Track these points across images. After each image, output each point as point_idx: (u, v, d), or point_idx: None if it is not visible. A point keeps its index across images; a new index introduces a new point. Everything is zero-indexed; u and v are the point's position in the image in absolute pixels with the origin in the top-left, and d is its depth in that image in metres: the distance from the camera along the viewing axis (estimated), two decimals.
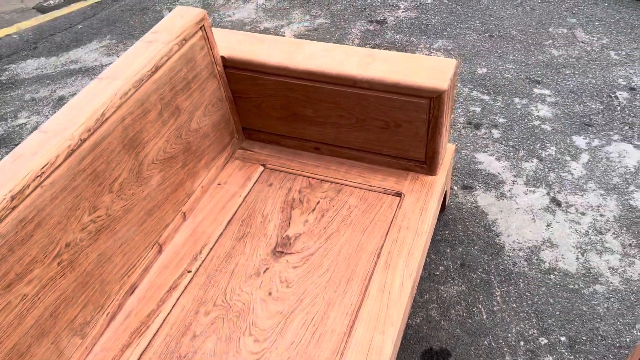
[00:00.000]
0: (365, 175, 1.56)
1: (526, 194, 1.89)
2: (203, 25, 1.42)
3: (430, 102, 1.37)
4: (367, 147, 1.56)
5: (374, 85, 1.40)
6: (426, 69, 1.39)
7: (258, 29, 2.99)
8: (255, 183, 1.58)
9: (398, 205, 1.47)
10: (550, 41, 2.64)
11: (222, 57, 1.52)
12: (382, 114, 1.45)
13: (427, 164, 1.52)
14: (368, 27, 2.90)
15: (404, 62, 1.42)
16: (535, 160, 2.02)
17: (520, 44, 2.64)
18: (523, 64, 2.50)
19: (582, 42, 2.59)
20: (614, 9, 2.80)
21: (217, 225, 1.45)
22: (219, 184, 1.57)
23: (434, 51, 2.66)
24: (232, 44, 1.56)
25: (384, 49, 2.68)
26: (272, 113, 1.60)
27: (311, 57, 1.48)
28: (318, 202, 1.49)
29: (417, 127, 1.44)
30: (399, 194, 1.50)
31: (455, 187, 1.94)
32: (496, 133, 2.15)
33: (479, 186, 1.94)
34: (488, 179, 1.96)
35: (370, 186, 1.53)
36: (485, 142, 2.11)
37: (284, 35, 2.91)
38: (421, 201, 1.47)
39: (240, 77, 1.55)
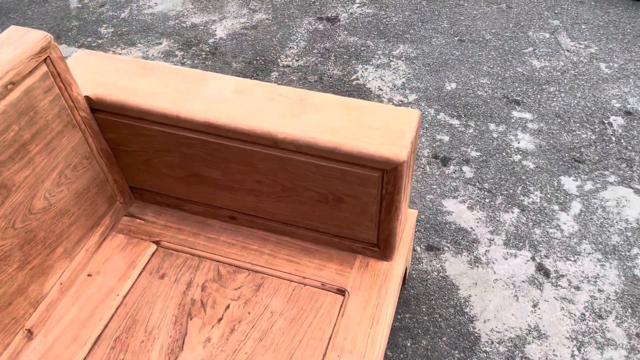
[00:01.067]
0: (298, 259, 1.16)
1: (506, 258, 1.53)
2: (48, 56, 0.96)
3: (383, 174, 0.98)
4: (299, 221, 1.16)
5: (303, 149, 0.99)
6: (378, 127, 0.99)
7: (184, 24, 2.52)
8: (141, 272, 1.15)
9: (340, 309, 1.08)
10: (531, 48, 2.28)
11: (87, 98, 1.08)
12: (317, 185, 1.05)
13: (381, 248, 1.13)
14: (317, 25, 2.47)
15: (347, 114, 1.01)
16: (516, 210, 1.66)
17: (495, 51, 2.27)
18: (499, 78, 2.13)
19: (568, 51, 2.24)
20: (601, 9, 2.46)
21: (78, 349, 1.02)
22: (88, 275, 1.14)
23: (394, 59, 2.25)
24: (104, 76, 1.11)
25: (334, 55, 2.26)
26: (167, 172, 1.17)
27: (216, 100, 1.05)
28: (228, 307, 1.08)
29: (365, 204, 1.05)
30: (341, 291, 1.11)
31: (418, 249, 1.56)
32: (468, 171, 1.78)
33: (448, 247, 1.56)
34: (459, 236, 1.59)
35: (303, 278, 1.13)
36: (454, 183, 1.74)
37: (214, 35, 2.45)
38: (372, 303, 1.08)
39: (116, 124, 1.11)
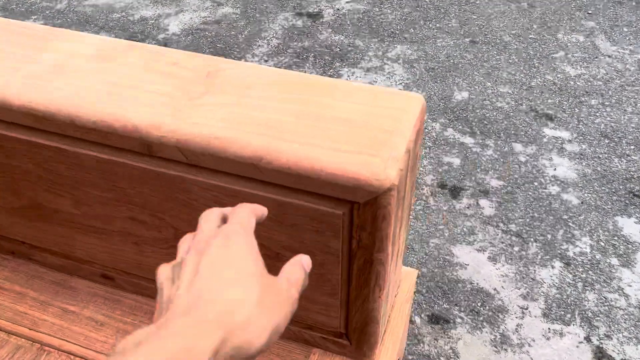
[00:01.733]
0: None
1: (548, 337, 1.05)
2: None
3: (352, 212, 0.51)
4: None
5: (198, 159, 0.52)
6: (347, 123, 0.53)
7: (131, 17, 2.08)
8: None
9: None
10: (562, 53, 1.84)
11: None
12: None
13: (352, 340, 0.66)
14: (295, 21, 2.04)
15: (292, 100, 0.56)
16: (558, 263, 1.18)
17: (517, 55, 1.83)
18: (524, 87, 1.69)
19: (609, 57, 1.80)
20: None
21: None
22: None
23: (388, 62, 1.81)
24: None
25: (313, 55, 1.82)
26: (12, 212, 0.70)
27: (54, 73, 0.59)
28: None
29: (322, 266, 0.58)
30: None
31: (417, 320, 1.09)
32: (487, 206, 1.31)
33: (462, 318, 1.09)
34: (477, 301, 1.11)
35: None
36: (469, 223, 1.27)
37: (166, 30, 2.01)
38: None
39: None
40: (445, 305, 1.10)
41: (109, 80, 0.59)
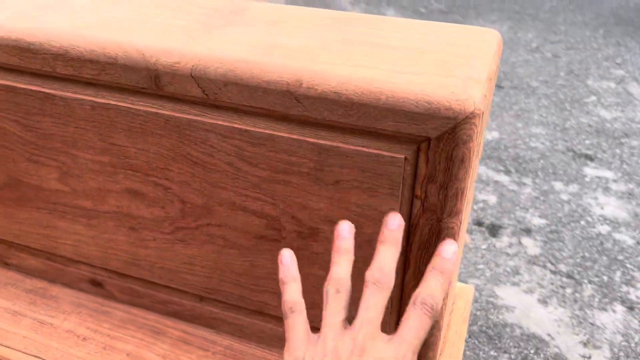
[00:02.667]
0: None
1: None
2: None
3: (417, 156, 0.39)
4: (224, 291, 0.55)
5: (220, 94, 0.41)
6: (407, 49, 0.42)
7: None
8: None
9: None
10: (594, 98, 1.76)
11: None
12: (254, 194, 0.46)
13: None
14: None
15: (336, 32, 0.45)
16: (619, 307, 1.03)
17: (547, 99, 1.75)
18: (558, 129, 1.59)
19: None
20: None
21: None
22: None
23: None
24: None
25: None
26: None
27: (52, 7, 0.50)
28: None
29: (370, 244, 0.44)
30: None
31: None
32: (531, 245, 1.17)
33: None
34: (529, 348, 0.95)
35: None
36: (512, 262, 1.13)
37: None
38: None
39: None
40: (492, 352, 0.94)
41: (113, 15, 0.49)
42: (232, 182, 0.46)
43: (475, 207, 1.28)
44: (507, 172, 1.40)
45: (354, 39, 0.44)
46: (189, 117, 0.44)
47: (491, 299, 1.04)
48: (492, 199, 1.30)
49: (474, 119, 0.37)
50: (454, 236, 0.42)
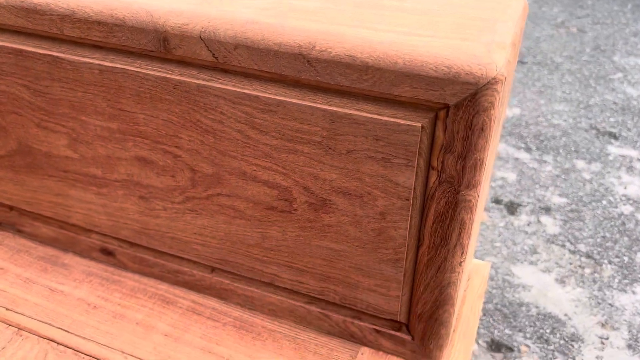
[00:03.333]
0: (225, 351, 0.53)
1: None
2: None
3: (434, 125, 0.37)
4: (233, 262, 0.54)
5: (229, 57, 0.40)
6: (428, 12, 0.40)
7: None
8: None
9: None
10: (620, 74, 1.70)
11: None
12: (266, 165, 0.44)
13: (415, 334, 0.50)
14: None
15: None
16: (639, 287, 1.01)
17: (571, 75, 1.70)
18: (581, 106, 1.55)
19: None
20: None
21: None
22: None
23: None
24: None
25: None
26: None
27: None
28: None
29: (382, 211, 0.43)
30: None
31: (475, 345, 0.91)
32: (550, 224, 1.15)
33: (528, 346, 0.91)
34: (545, 327, 0.94)
35: None
36: (530, 241, 1.11)
37: None
38: None
39: None
40: (507, 331, 0.93)
41: None
42: (242, 150, 0.45)
43: (493, 185, 1.25)
44: (528, 149, 1.36)
45: (369, 1, 0.42)
46: (198, 82, 0.43)
47: (507, 277, 1.03)
48: (512, 177, 1.27)
49: (496, 85, 0.35)
50: (471, 210, 0.41)
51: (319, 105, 0.40)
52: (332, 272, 0.49)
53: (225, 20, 0.40)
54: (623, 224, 1.15)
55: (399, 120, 0.38)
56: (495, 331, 0.93)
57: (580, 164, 1.32)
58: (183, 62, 0.43)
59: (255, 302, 0.56)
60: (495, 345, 0.91)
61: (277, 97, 0.41)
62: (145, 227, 0.56)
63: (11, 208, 0.64)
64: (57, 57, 0.47)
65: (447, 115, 0.37)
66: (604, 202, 1.20)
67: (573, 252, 1.08)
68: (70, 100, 0.49)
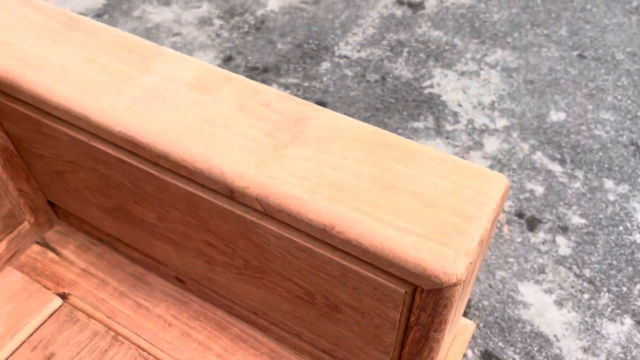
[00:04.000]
0: None
1: None
2: None
3: (415, 293, 0.52)
4: (271, 316, 0.72)
5: (275, 213, 0.55)
6: (421, 199, 0.53)
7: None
8: (21, 345, 0.76)
9: None
10: None
11: None
12: (298, 275, 0.61)
13: None
14: (395, 10, 1.99)
15: (372, 163, 0.57)
16: (628, 320, 1.14)
17: (628, 77, 1.71)
18: (628, 116, 1.58)
19: None
20: None
21: None
22: None
23: (485, 67, 1.75)
24: (13, 34, 0.72)
25: (408, 51, 1.79)
26: (88, 196, 0.77)
27: (152, 99, 0.63)
28: None
29: (378, 328, 0.59)
30: None
31: (469, 352, 1.09)
32: (564, 245, 1.27)
33: (515, 359, 1.08)
34: (534, 345, 1.10)
35: None
36: (541, 260, 1.24)
37: (265, 5, 2.03)
38: None
39: (15, 113, 0.72)
40: (500, 344, 1.10)
41: (203, 115, 0.62)
42: (281, 262, 0.61)
43: (520, 197, 1.36)
44: (562, 161, 1.44)
45: (383, 178, 0.55)
46: (253, 219, 0.58)
47: (512, 294, 1.17)
48: (540, 190, 1.37)
49: (456, 287, 0.49)
50: (438, 341, 0.56)
51: (335, 258, 0.55)
52: (341, 343, 0.66)
53: (274, 191, 0.54)
54: (632, 252, 1.25)
55: (390, 284, 0.53)
56: (490, 343, 1.10)
57: (608, 183, 1.40)
58: (244, 205, 0.58)
59: (287, 341, 0.75)
60: (487, 356, 1.08)
61: (307, 245, 0.56)
62: (209, 277, 0.74)
63: (109, 235, 0.84)
64: (152, 174, 0.63)
65: (422, 292, 0.51)
66: (621, 227, 1.30)
67: (577, 276, 1.21)
68: (159, 198, 0.66)
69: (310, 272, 0.59)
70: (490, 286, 1.19)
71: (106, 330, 0.78)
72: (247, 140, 0.59)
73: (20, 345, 0.76)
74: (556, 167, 1.43)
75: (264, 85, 0.67)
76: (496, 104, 1.62)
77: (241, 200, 0.57)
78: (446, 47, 1.83)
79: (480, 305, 1.15)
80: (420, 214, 0.52)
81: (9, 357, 0.75)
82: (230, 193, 0.57)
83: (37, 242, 0.87)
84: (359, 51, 1.83)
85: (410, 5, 2.02)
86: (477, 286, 1.19)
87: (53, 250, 0.87)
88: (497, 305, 1.15)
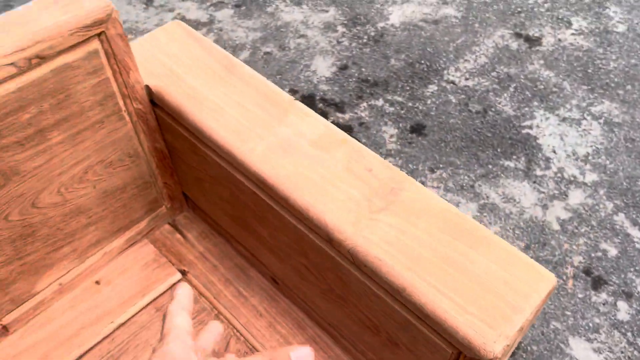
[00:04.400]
0: None
1: None
2: (104, 32, 0.77)
3: (459, 357, 0.65)
4: (344, 332, 0.87)
5: (361, 266, 0.69)
6: (478, 281, 0.66)
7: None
8: (148, 305, 0.96)
9: None
10: None
11: (147, 89, 0.88)
12: (370, 312, 0.75)
13: None
14: (510, 42, 2.03)
15: (446, 240, 0.69)
16: None
17: None
18: None
19: None
20: None
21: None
22: (96, 283, 0.98)
23: (588, 117, 1.76)
24: (180, 64, 0.90)
25: (515, 87, 1.84)
26: (218, 202, 0.96)
27: (283, 149, 0.79)
28: None
29: None
30: None
31: None
32: (624, 310, 1.31)
33: None
34: None
35: None
36: (597, 320, 1.30)
37: (387, 19, 2.14)
38: None
39: (174, 130, 0.90)
40: None
41: (319, 170, 0.77)
42: (358, 299, 0.75)
43: (592, 255, 1.40)
44: None
45: (453, 258, 0.67)
46: (343, 263, 0.73)
47: (562, 345, 1.25)
48: (613, 252, 1.41)
49: None
50: None
51: (402, 312, 0.68)
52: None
53: (363, 249, 0.68)
54: None
55: (441, 343, 0.66)
56: None
57: None
58: (338, 251, 0.73)
59: (351, 353, 0.90)
60: None
61: (381, 295, 0.70)
62: (298, 286, 0.90)
63: (227, 232, 1.02)
64: (273, 207, 0.79)
65: (465, 357, 0.64)
66: None
67: (630, 344, 1.26)
68: (274, 223, 0.82)
69: (380, 314, 0.73)
70: (542, 333, 1.27)
71: (211, 307, 0.96)
72: (349, 200, 0.73)
73: (147, 305, 0.97)
74: (636, 233, 1.46)
75: (370, 151, 0.80)
76: (590, 157, 1.65)
77: (337, 248, 0.72)
78: (554, 89, 1.86)
79: (529, 349, 1.24)
80: (477, 295, 0.64)
81: (138, 312, 0.96)
82: (329, 240, 0.72)
83: (169, 224, 1.08)
84: (467, 79, 1.90)
85: (528, 39, 2.04)
86: (530, 331, 1.27)
87: (180, 232, 1.07)
88: (545, 352, 1.23)
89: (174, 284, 1.00)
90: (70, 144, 0.82)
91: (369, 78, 1.89)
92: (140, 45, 0.94)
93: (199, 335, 0.51)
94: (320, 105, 1.77)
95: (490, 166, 1.60)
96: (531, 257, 1.47)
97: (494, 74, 1.91)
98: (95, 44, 0.77)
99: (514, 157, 1.64)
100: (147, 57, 0.92)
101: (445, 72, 1.92)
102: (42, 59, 0.73)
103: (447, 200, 1.51)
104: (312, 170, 0.77)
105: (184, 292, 0.52)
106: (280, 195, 0.75)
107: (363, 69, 1.92)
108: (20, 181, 0.79)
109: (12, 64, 0.70)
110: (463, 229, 0.70)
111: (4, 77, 0.70)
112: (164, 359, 0.43)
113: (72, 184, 0.86)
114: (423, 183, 1.54)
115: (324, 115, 1.74)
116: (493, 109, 1.79)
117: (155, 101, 0.89)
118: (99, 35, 0.77)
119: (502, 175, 1.58)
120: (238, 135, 0.81)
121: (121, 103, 0.85)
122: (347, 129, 1.70)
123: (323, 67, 1.91)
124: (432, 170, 1.55)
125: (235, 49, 1.99)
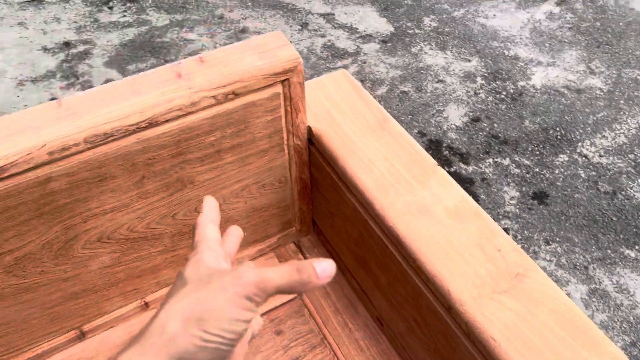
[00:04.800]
0: None
1: None
2: (287, 79, 0.88)
3: None
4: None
5: (477, 342, 0.74)
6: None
7: (506, 52, 2.24)
8: (263, 315, 1.07)
9: None
10: None
11: (309, 129, 0.98)
12: None
13: None
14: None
15: (557, 328, 0.72)
16: None
17: None
18: None
19: None
20: None
21: None
22: None
23: None
24: (339, 111, 1.00)
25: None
26: (344, 237, 1.04)
27: (418, 213, 0.85)
28: None
29: None
30: None
31: None
32: None
33: None
34: None
35: None
36: None
37: (529, 79, 2.12)
38: None
39: (322, 167, 1.00)
40: None
41: (451, 240, 0.82)
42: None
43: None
44: None
45: (564, 355, 0.70)
46: (455, 330, 0.78)
47: None
48: None
49: None
50: None
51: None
52: None
53: (479, 326, 0.73)
54: None
55: None
56: None
57: None
58: (453, 319, 0.78)
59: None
60: None
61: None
62: (403, 334, 0.96)
63: (344, 263, 1.10)
64: (399, 260, 0.85)
65: None
66: None
67: None
68: (396, 275, 0.88)
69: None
70: None
71: (319, 331, 1.05)
72: (475, 276, 0.78)
73: (262, 315, 1.07)
74: None
75: (502, 231, 0.84)
76: None
77: (454, 317, 0.77)
78: None
79: None
80: None
81: None
82: (448, 308, 0.77)
83: (294, 243, 1.18)
84: (601, 156, 1.84)
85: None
86: None
87: (302, 252, 1.17)
88: None
89: (290, 301, 1.09)
90: (238, 165, 0.94)
91: (499, 135, 1.90)
92: (309, 88, 1.04)
93: (222, 240, 0.52)
94: (446, 152, 1.81)
95: (609, 251, 1.55)
96: (635, 355, 1.41)
97: (631, 156, 1.84)
98: (278, 88, 0.89)
99: (637, 247, 1.57)
100: (313, 99, 1.02)
101: (579, 144, 1.88)
102: (236, 95, 0.85)
103: (557, 276, 1.49)
104: (444, 238, 0.82)
105: (211, 205, 0.53)
106: (409, 253, 0.82)
107: (495, 125, 1.93)
108: (192, 189, 0.92)
109: (213, 97, 0.83)
110: (579, 330, 0.72)
111: (204, 106, 0.83)
112: (197, 266, 0.45)
113: (229, 198, 0.98)
114: (536, 253, 1.53)
115: (448, 163, 1.78)
116: (623, 193, 1.72)
117: (312, 140, 0.99)
118: (283, 81, 0.88)
119: (620, 263, 1.53)
120: (380, 187, 0.88)
121: (285, 137, 0.96)
122: (469, 181, 1.73)
123: (455, 116, 1.95)
124: (547, 242, 1.53)
125: (374, 83, 2.08)
